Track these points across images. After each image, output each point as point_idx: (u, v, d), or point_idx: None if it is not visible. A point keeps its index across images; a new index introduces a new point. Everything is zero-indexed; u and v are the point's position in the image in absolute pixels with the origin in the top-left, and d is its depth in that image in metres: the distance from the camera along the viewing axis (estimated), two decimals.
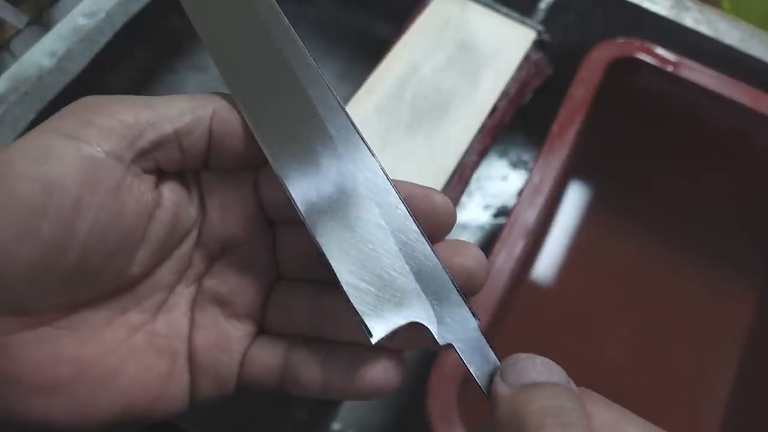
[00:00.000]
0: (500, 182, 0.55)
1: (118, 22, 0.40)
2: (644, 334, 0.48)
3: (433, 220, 0.17)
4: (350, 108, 0.36)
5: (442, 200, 0.17)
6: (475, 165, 0.38)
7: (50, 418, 0.15)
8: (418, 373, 0.45)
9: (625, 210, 0.51)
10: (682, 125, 0.47)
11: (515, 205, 0.36)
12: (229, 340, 0.17)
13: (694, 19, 0.45)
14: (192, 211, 0.17)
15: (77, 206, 0.14)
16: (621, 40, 0.43)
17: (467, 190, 0.41)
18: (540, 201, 0.36)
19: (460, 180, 0.37)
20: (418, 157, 0.35)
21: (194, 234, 0.18)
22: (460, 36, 0.41)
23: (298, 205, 0.16)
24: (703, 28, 0.45)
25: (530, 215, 0.36)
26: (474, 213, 0.53)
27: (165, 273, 0.17)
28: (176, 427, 0.39)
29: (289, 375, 0.17)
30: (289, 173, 0.16)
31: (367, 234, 0.16)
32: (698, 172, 0.49)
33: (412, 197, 0.17)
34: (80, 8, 0.39)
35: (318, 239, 0.16)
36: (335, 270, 0.16)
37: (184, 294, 0.18)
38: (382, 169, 0.17)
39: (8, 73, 0.36)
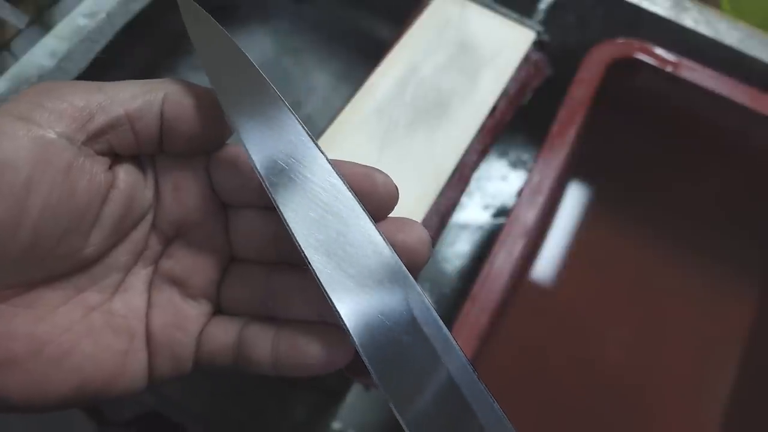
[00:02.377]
0: (500, 182, 0.55)
1: (119, 23, 0.40)
2: (644, 334, 0.48)
3: (375, 199, 0.17)
4: (350, 108, 0.36)
5: (383, 179, 0.17)
6: (475, 165, 0.38)
7: (5, 394, 0.15)
8: None
9: (625, 210, 0.51)
10: (682, 125, 0.47)
11: (515, 205, 0.36)
12: (185, 320, 0.18)
13: (693, 20, 0.45)
14: (147, 194, 0.18)
15: (29, 185, 0.15)
16: (621, 41, 0.43)
17: (467, 190, 0.41)
18: (539, 201, 0.36)
19: (459, 180, 0.37)
20: (417, 157, 0.35)
21: (150, 217, 0.18)
22: (459, 36, 0.41)
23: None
24: (703, 29, 0.45)
25: (530, 215, 0.36)
26: (474, 213, 0.53)
27: (121, 254, 0.18)
28: (177, 425, 0.40)
29: (243, 352, 0.18)
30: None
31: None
32: (698, 172, 0.49)
33: (353, 176, 0.17)
34: (81, 9, 0.39)
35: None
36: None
37: (140, 275, 0.18)
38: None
39: (9, 74, 0.36)
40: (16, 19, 0.38)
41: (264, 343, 0.17)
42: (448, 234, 0.52)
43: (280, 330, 0.17)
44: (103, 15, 0.39)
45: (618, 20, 0.47)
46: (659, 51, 0.43)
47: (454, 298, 0.50)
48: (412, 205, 0.34)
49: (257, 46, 0.56)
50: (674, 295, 0.49)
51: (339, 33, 0.59)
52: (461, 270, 0.51)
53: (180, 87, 0.17)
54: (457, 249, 0.52)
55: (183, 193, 0.18)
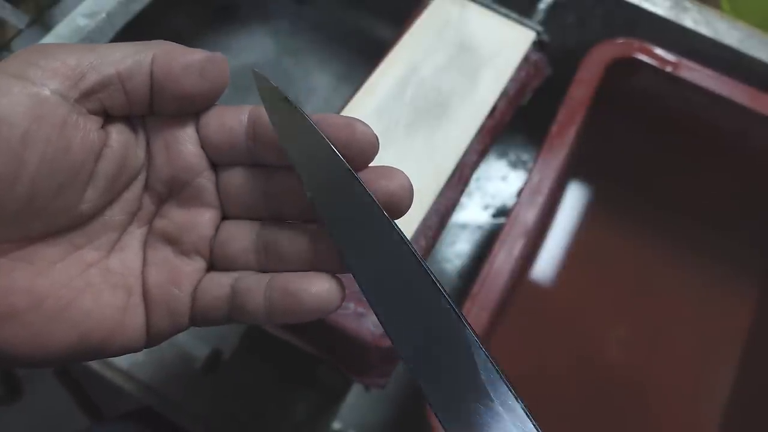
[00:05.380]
0: (500, 182, 0.55)
1: (119, 23, 0.40)
2: (644, 333, 0.48)
3: (355, 147, 0.18)
4: (350, 108, 0.36)
5: (363, 128, 0.18)
6: (475, 165, 0.38)
7: (7, 347, 0.16)
8: None
9: (625, 210, 0.51)
10: (682, 125, 0.47)
11: (515, 205, 0.36)
12: (180, 276, 0.18)
13: (693, 20, 0.45)
14: (140, 153, 0.19)
15: (25, 139, 0.15)
16: (620, 41, 0.43)
17: (467, 190, 0.41)
18: (539, 201, 0.37)
19: (459, 180, 0.37)
20: (417, 157, 0.35)
21: (143, 177, 0.19)
22: (459, 36, 0.41)
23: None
24: (703, 29, 0.45)
25: (529, 215, 0.36)
26: (473, 213, 0.53)
27: (116, 214, 0.18)
28: (178, 425, 0.40)
29: (236, 303, 0.18)
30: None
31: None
32: (697, 171, 0.49)
33: (334, 126, 0.18)
34: (81, 9, 0.40)
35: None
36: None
37: (135, 234, 0.19)
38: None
39: None
40: (16, 19, 0.38)
41: (257, 293, 0.18)
42: (448, 234, 0.52)
43: (273, 279, 0.18)
44: (103, 15, 0.40)
45: (618, 20, 0.47)
46: (659, 51, 0.43)
47: (454, 298, 0.50)
48: (412, 205, 0.34)
49: (258, 46, 0.56)
50: (674, 295, 0.49)
51: (339, 33, 0.59)
52: (461, 270, 0.51)
53: (169, 48, 0.18)
54: (457, 249, 0.52)
55: (174, 152, 0.19)
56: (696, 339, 0.48)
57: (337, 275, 0.18)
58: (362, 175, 0.18)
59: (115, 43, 0.18)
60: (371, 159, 0.18)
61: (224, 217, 0.20)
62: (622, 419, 0.45)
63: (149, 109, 0.18)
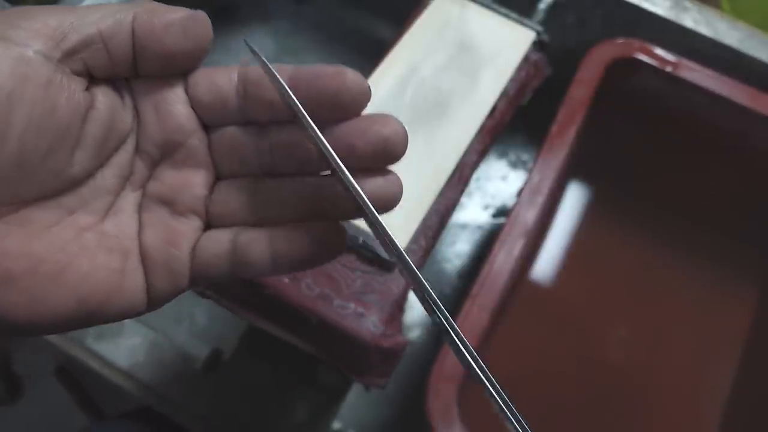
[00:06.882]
0: (500, 182, 0.55)
1: None
2: (644, 333, 0.48)
3: (347, 95, 0.18)
4: None
5: (353, 75, 0.18)
6: (475, 165, 0.38)
7: (4, 312, 0.16)
8: (418, 373, 0.45)
9: (625, 210, 0.51)
10: (682, 125, 0.47)
11: (514, 205, 0.36)
12: (177, 235, 0.18)
13: (693, 20, 0.45)
14: (127, 116, 0.18)
15: (10, 100, 0.15)
16: (620, 41, 0.43)
17: (467, 190, 0.41)
18: (539, 201, 0.37)
19: (459, 180, 0.37)
20: (417, 157, 0.35)
21: (132, 140, 0.19)
22: (459, 36, 0.41)
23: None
24: (703, 29, 0.45)
25: (529, 215, 0.36)
26: (473, 213, 0.53)
27: (108, 178, 0.18)
28: (178, 425, 0.40)
29: (239, 258, 0.18)
30: None
31: None
32: (697, 172, 0.49)
33: (324, 76, 0.18)
34: None
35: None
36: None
37: (129, 198, 0.19)
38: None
39: None
40: None
41: (260, 245, 0.18)
42: (448, 234, 0.52)
43: (274, 230, 0.18)
44: None
45: (618, 20, 0.47)
46: (659, 51, 0.43)
47: (454, 298, 0.51)
48: (412, 205, 0.34)
49: (257, 46, 0.56)
50: (674, 295, 0.49)
51: (339, 33, 0.59)
52: (461, 270, 0.51)
53: (151, 6, 0.18)
54: (457, 249, 0.52)
55: (164, 114, 0.19)
56: (696, 339, 0.48)
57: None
58: (355, 123, 0.18)
59: (95, 5, 0.17)
60: (363, 106, 0.18)
61: (218, 177, 0.20)
62: (622, 419, 0.45)
63: (134, 71, 0.18)
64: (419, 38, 0.40)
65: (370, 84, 0.18)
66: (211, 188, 0.19)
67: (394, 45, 0.39)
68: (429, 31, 0.41)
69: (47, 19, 0.16)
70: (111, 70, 0.18)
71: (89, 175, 0.18)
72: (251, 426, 0.40)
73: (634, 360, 0.46)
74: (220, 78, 0.18)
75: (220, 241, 0.19)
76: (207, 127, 0.19)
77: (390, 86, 0.37)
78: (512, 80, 0.40)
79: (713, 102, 0.42)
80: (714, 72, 0.42)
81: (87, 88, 0.17)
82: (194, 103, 0.19)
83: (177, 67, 0.18)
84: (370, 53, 0.41)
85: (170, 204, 0.19)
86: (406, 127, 0.18)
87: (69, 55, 0.17)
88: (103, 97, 0.18)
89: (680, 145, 0.49)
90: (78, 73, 0.17)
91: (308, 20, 0.59)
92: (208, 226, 0.19)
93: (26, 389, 0.63)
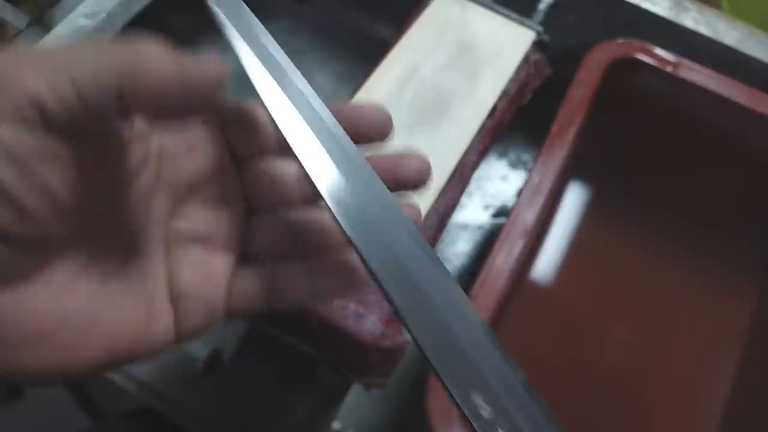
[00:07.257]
0: (500, 182, 0.55)
1: (119, 23, 0.40)
2: (644, 334, 0.48)
3: (370, 126, 0.19)
4: None
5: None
6: (475, 165, 0.38)
7: (40, 368, 0.15)
8: (418, 373, 0.45)
9: (625, 210, 0.51)
10: (682, 125, 0.47)
11: (515, 205, 0.36)
12: (212, 272, 0.18)
13: (693, 20, 0.45)
14: (137, 153, 0.17)
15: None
16: (620, 41, 0.43)
17: (467, 190, 0.41)
18: (539, 201, 0.37)
19: (459, 180, 0.37)
20: None
21: (152, 179, 0.18)
22: (459, 36, 0.41)
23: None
24: (703, 29, 0.45)
25: (530, 215, 0.36)
26: (474, 213, 0.53)
27: (131, 219, 0.18)
28: (177, 426, 0.40)
29: (277, 288, 0.18)
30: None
31: None
32: (698, 172, 0.49)
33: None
34: (81, 9, 0.39)
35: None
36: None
37: (152, 237, 0.18)
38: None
39: None
40: (16, 19, 0.38)
41: (300, 280, 0.18)
42: (448, 234, 0.52)
43: (314, 262, 0.18)
44: (103, 15, 0.39)
45: (618, 20, 0.47)
46: (659, 51, 0.43)
47: None
48: None
49: None
50: (674, 294, 0.49)
51: (339, 33, 0.59)
52: (461, 270, 0.51)
53: (135, 64, 0.15)
54: (457, 249, 0.52)
55: (194, 149, 0.18)
56: (696, 339, 0.48)
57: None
58: (383, 159, 0.18)
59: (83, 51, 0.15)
60: (388, 133, 0.19)
61: (251, 210, 0.19)
62: (622, 419, 0.45)
63: (129, 118, 0.16)
64: (419, 38, 0.40)
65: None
66: (245, 222, 0.19)
67: (394, 45, 0.39)
68: (429, 31, 0.41)
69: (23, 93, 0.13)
70: (103, 125, 0.16)
71: (108, 218, 0.17)
72: (251, 426, 0.40)
73: (634, 360, 0.46)
74: (255, 110, 0.18)
75: (257, 274, 0.18)
76: (239, 158, 0.19)
77: (390, 86, 0.37)
78: (512, 80, 0.40)
79: (713, 102, 0.42)
80: (714, 72, 0.42)
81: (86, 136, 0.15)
82: (230, 139, 0.18)
83: (186, 112, 0.16)
84: (370, 53, 0.41)
85: (203, 241, 0.18)
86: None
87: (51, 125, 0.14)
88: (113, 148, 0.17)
89: (680, 145, 0.49)
90: (68, 132, 0.15)
91: (308, 21, 0.59)
92: (243, 258, 0.19)
93: (26, 390, 0.63)
